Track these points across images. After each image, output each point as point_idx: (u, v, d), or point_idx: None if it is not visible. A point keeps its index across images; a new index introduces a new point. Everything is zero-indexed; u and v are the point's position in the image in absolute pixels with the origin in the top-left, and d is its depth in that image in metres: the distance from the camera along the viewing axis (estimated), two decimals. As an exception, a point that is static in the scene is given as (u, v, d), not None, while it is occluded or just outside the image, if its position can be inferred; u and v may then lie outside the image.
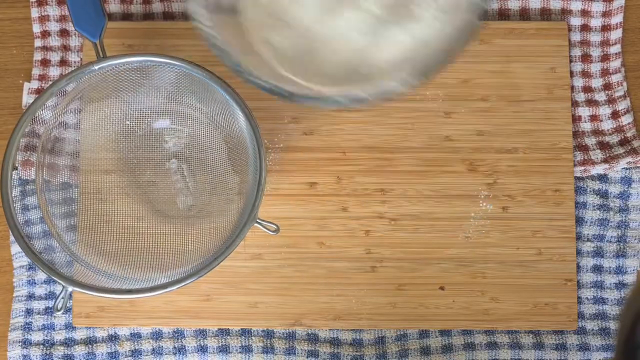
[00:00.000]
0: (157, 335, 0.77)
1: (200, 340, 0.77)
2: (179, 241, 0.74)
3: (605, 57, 0.81)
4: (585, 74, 0.80)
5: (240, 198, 0.72)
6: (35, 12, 0.82)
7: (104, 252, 0.73)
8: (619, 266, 0.78)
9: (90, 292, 0.67)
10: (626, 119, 0.80)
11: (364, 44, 0.65)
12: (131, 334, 0.77)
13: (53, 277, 0.67)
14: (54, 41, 0.82)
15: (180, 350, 0.77)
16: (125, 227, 0.75)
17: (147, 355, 0.77)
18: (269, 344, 0.77)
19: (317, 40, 0.66)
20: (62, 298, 0.67)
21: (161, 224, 0.75)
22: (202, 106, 0.74)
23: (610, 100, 0.80)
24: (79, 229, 0.74)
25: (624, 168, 0.79)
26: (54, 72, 0.81)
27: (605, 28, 0.81)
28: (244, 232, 0.68)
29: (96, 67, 0.70)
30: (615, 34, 0.81)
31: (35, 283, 0.78)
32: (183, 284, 0.67)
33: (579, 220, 0.78)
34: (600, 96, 0.80)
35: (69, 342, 0.77)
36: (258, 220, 0.68)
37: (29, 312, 0.78)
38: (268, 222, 0.69)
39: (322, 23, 0.66)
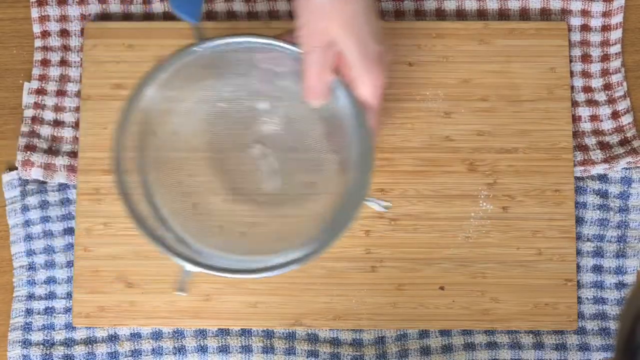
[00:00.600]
0: (157, 335, 0.77)
1: (200, 340, 0.77)
2: (283, 224, 0.74)
3: (605, 57, 0.81)
4: (585, 74, 0.80)
5: (341, 179, 0.71)
6: (35, 12, 0.82)
7: (206, 239, 0.71)
8: (619, 266, 0.78)
9: (210, 271, 0.66)
10: (626, 119, 0.80)
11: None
12: (131, 334, 0.77)
13: (173, 256, 0.66)
14: (54, 41, 0.82)
15: (180, 350, 0.77)
16: (223, 212, 0.74)
17: (147, 355, 0.77)
18: (269, 344, 0.77)
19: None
20: (184, 279, 0.66)
21: (260, 208, 0.74)
22: (297, 87, 0.72)
23: (610, 101, 0.80)
24: (177, 215, 0.72)
25: (624, 168, 0.79)
26: (54, 72, 0.81)
27: (605, 28, 0.81)
28: (356, 209, 0.67)
29: (198, 49, 0.69)
30: (615, 34, 0.81)
31: (35, 283, 0.78)
32: (301, 263, 0.67)
33: (579, 220, 0.78)
34: (600, 96, 0.80)
35: (69, 342, 0.77)
36: (369, 198, 0.68)
37: (29, 312, 0.78)
38: (380, 200, 0.69)
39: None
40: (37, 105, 0.80)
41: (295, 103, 0.73)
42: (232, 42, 0.69)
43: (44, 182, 0.79)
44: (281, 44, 0.69)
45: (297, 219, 0.73)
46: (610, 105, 0.80)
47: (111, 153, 0.68)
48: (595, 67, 0.80)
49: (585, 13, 0.81)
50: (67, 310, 0.78)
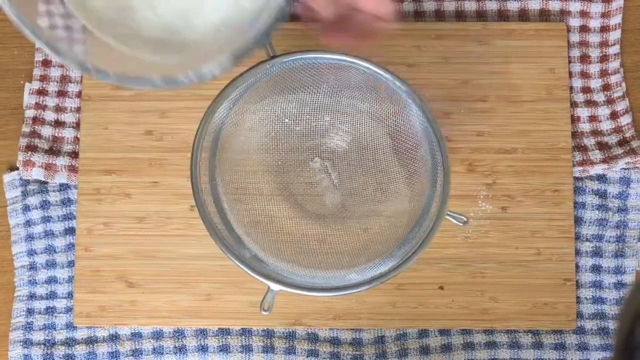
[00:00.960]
0: (158, 335, 0.77)
1: (200, 339, 0.77)
2: (354, 239, 0.74)
3: (604, 58, 0.81)
4: (584, 75, 0.81)
5: (412, 194, 0.72)
6: (36, 13, 0.82)
7: (279, 254, 0.72)
8: (618, 266, 0.78)
9: (297, 291, 0.67)
10: (625, 120, 0.80)
11: (183, 4, 0.62)
12: (132, 333, 0.78)
13: (259, 279, 0.66)
14: (55, 42, 0.82)
15: (181, 349, 0.77)
16: (295, 228, 0.75)
17: (147, 354, 0.77)
18: (269, 344, 0.77)
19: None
20: (269, 299, 0.67)
21: (331, 223, 0.75)
22: (363, 102, 0.72)
23: (609, 101, 0.80)
24: (250, 232, 0.73)
25: (623, 168, 0.79)
26: (55, 72, 0.81)
27: (604, 29, 0.81)
28: (435, 230, 0.67)
29: (269, 66, 0.68)
30: (614, 35, 0.81)
31: (36, 283, 0.78)
32: (387, 277, 0.67)
33: (578, 220, 0.78)
34: (599, 97, 0.80)
35: (69, 342, 0.77)
36: (448, 213, 0.68)
37: (30, 311, 0.78)
38: (458, 214, 0.69)
39: None
40: (38, 106, 0.81)
41: (361, 118, 0.73)
42: (301, 58, 0.68)
43: (45, 183, 0.79)
44: (350, 59, 0.68)
45: (371, 234, 0.73)
46: (609, 106, 0.80)
47: (190, 176, 0.68)
48: (594, 68, 0.81)
49: (584, 14, 0.81)
50: (68, 309, 0.78)
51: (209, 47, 0.61)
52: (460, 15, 0.82)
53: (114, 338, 0.77)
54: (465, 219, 0.69)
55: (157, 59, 0.61)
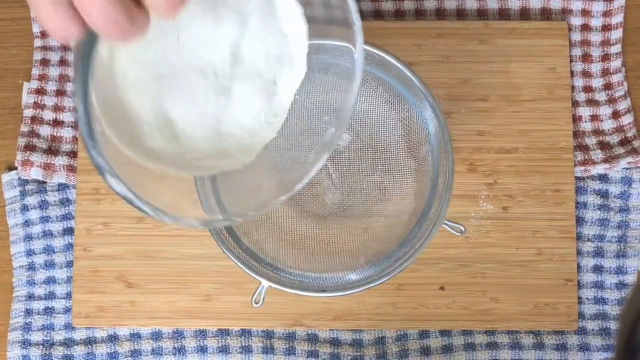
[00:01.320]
0: (157, 336, 0.77)
1: (200, 340, 0.77)
2: (352, 240, 0.74)
3: (605, 57, 0.81)
4: (586, 74, 0.80)
5: (413, 193, 0.72)
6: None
7: (283, 255, 0.72)
8: (620, 266, 0.78)
9: (283, 288, 0.67)
10: (626, 119, 0.80)
11: (220, 111, 0.58)
12: (131, 334, 0.77)
13: (252, 275, 0.67)
14: (54, 41, 0.82)
15: (180, 350, 0.77)
16: (296, 229, 0.74)
17: (146, 355, 0.77)
18: (268, 344, 0.77)
19: (181, 130, 0.58)
20: (259, 292, 0.67)
21: (331, 224, 0.75)
22: (365, 100, 0.72)
23: (611, 100, 0.80)
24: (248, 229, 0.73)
25: (625, 168, 0.79)
26: (53, 71, 0.81)
27: (606, 28, 0.81)
28: (432, 234, 0.67)
29: None
30: (616, 34, 0.81)
31: (34, 283, 0.78)
32: (372, 285, 0.67)
33: (579, 220, 0.78)
34: (601, 96, 0.80)
35: (68, 343, 0.77)
36: (446, 222, 0.68)
37: (28, 312, 0.78)
38: (455, 223, 0.69)
39: (183, 116, 0.58)
40: (36, 105, 0.80)
41: (362, 116, 0.73)
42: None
43: (43, 182, 0.79)
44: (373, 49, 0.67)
45: (371, 233, 0.73)
46: (611, 105, 0.80)
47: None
48: (595, 67, 0.80)
49: (585, 13, 0.81)
50: (67, 310, 0.78)
51: (269, 137, 0.60)
52: (461, 14, 0.82)
53: (113, 339, 0.77)
54: (462, 229, 0.69)
55: (226, 163, 0.59)
